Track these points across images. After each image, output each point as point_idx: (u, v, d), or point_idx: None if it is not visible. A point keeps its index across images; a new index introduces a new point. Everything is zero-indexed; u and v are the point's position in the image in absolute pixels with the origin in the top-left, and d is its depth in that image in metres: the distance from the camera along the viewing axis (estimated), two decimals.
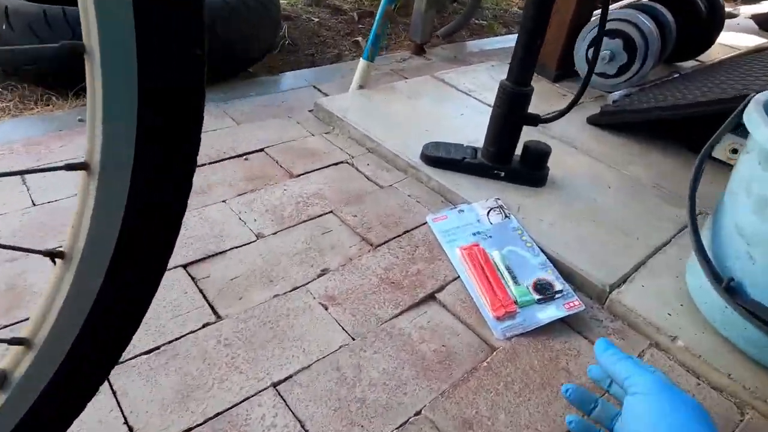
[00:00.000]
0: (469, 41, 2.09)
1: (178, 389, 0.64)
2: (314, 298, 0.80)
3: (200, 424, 0.61)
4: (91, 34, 0.27)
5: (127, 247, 0.33)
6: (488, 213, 0.96)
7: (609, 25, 1.52)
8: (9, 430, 0.36)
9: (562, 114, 1.00)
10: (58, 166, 0.30)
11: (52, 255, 0.33)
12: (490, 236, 0.93)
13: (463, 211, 0.98)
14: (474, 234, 0.93)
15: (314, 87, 1.50)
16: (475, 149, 1.11)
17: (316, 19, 2.08)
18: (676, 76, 1.68)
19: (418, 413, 0.66)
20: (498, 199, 0.99)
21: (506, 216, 0.96)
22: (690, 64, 1.98)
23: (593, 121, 1.39)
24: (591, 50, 1.59)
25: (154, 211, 0.33)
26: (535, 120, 1.02)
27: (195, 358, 0.68)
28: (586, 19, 1.62)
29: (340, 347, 0.73)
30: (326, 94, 1.45)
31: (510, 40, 2.13)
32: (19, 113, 1.27)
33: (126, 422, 0.60)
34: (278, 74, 1.58)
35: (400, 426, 0.64)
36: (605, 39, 1.54)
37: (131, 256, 0.33)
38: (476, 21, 2.30)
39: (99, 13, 0.26)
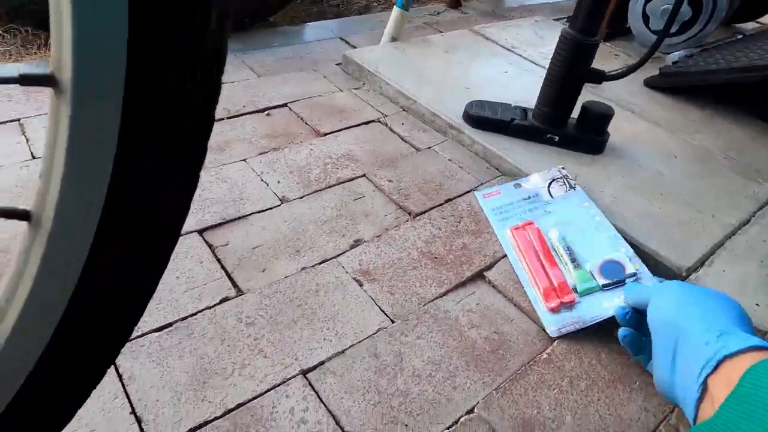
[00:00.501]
0: None
1: (193, 374, 0.55)
2: (347, 272, 0.70)
3: (218, 417, 0.52)
4: None
5: (120, 206, 0.22)
6: (549, 185, 0.84)
7: None
8: None
9: (631, 70, 0.87)
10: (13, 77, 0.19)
11: (17, 215, 0.23)
12: (550, 212, 0.81)
13: (519, 185, 0.86)
14: (530, 210, 0.81)
15: (341, 39, 1.37)
16: (524, 110, 0.99)
17: None
18: (739, 37, 1.52)
19: (470, 411, 0.56)
20: (563, 168, 0.87)
21: (571, 187, 0.84)
22: (750, 26, 1.80)
23: (652, 83, 1.25)
24: (647, 6, 1.43)
25: (161, 154, 0.22)
26: (600, 77, 0.89)
27: (212, 338, 0.59)
28: None
29: (378, 330, 0.63)
30: (355, 47, 1.32)
31: None
32: (20, 57, 1.16)
33: (133, 411, 0.51)
34: (302, 24, 1.45)
35: (451, 426, 0.54)
36: None
37: (126, 221, 0.23)
38: None
39: None
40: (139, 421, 0.51)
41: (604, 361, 0.64)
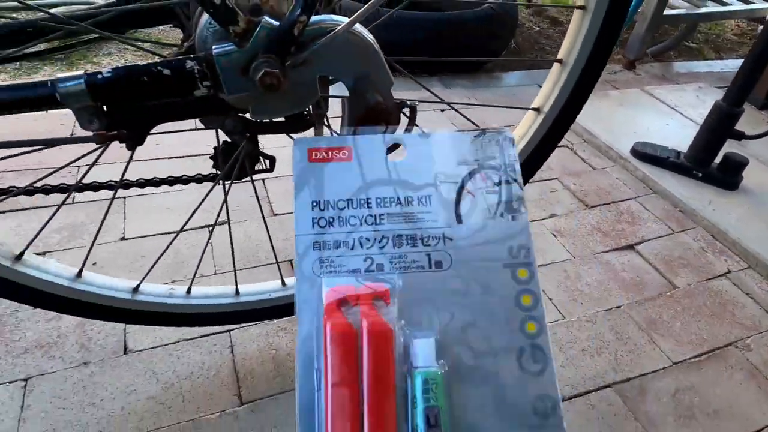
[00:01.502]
0: (677, 62, 2.27)
1: None
2: (547, 229, 1.18)
3: None
4: None
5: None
6: (467, 177, 0.36)
7: None
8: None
9: (765, 134, 1.23)
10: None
11: (579, 7, 0.69)
12: (447, 271, 0.33)
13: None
14: (383, 241, 0.34)
15: (538, 85, 1.86)
16: (678, 152, 1.38)
17: (537, 28, 2.42)
18: None
19: (618, 307, 1.00)
20: (503, 133, 0.37)
21: (505, 182, 0.36)
22: None
23: None
24: None
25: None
26: (740, 135, 1.26)
27: None
28: None
29: (565, 260, 1.10)
30: None
31: (719, 65, 2.26)
32: None
33: None
34: (509, 72, 1.97)
35: (606, 311, 0.99)
36: None
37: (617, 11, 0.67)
38: (687, 43, 2.45)
39: None
40: None
41: (708, 305, 1.03)
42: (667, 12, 1.97)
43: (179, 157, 1.24)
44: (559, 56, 0.71)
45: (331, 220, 0.32)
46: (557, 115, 0.74)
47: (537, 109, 0.75)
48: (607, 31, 0.66)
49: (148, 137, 0.51)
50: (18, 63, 1.69)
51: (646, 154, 1.39)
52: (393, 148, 0.35)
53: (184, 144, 1.26)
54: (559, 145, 0.88)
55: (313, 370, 0.30)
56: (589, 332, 0.94)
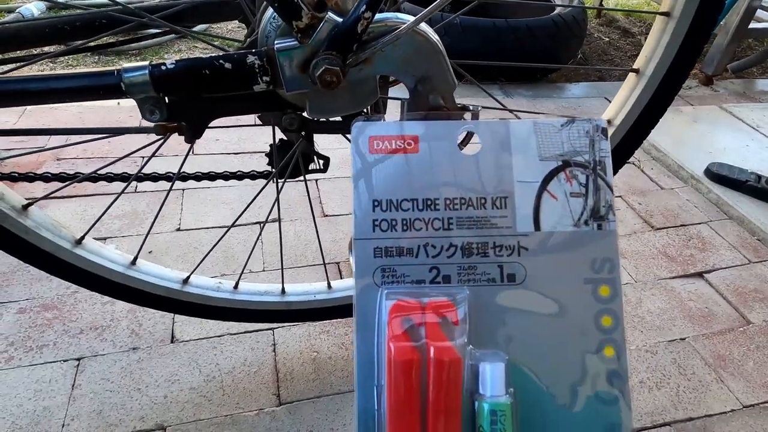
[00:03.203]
0: (761, 79, 2.10)
1: None
2: None
3: None
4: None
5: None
6: (546, 181, 0.32)
7: None
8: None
9: None
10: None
11: (662, 13, 0.63)
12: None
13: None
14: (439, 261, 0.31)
15: (605, 98, 1.78)
16: (759, 176, 1.27)
17: (606, 39, 2.32)
18: None
19: (682, 339, 0.93)
20: (599, 125, 0.32)
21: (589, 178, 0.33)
22: None
23: None
24: None
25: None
26: None
27: None
28: None
29: (626, 283, 1.03)
30: None
31: None
32: None
33: None
34: (574, 83, 1.89)
35: (669, 341, 0.92)
36: None
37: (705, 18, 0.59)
38: None
39: None
40: None
41: None
42: (752, 25, 1.83)
43: (236, 153, 1.26)
44: (635, 65, 0.66)
45: (394, 222, 0.28)
46: (629, 129, 0.69)
47: (607, 122, 0.70)
48: (692, 40, 0.60)
49: (210, 133, 0.51)
50: (97, 57, 1.79)
51: (722, 176, 1.29)
52: (466, 139, 0.32)
53: (244, 141, 1.29)
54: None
55: (373, 387, 0.27)
56: (648, 363, 0.88)
